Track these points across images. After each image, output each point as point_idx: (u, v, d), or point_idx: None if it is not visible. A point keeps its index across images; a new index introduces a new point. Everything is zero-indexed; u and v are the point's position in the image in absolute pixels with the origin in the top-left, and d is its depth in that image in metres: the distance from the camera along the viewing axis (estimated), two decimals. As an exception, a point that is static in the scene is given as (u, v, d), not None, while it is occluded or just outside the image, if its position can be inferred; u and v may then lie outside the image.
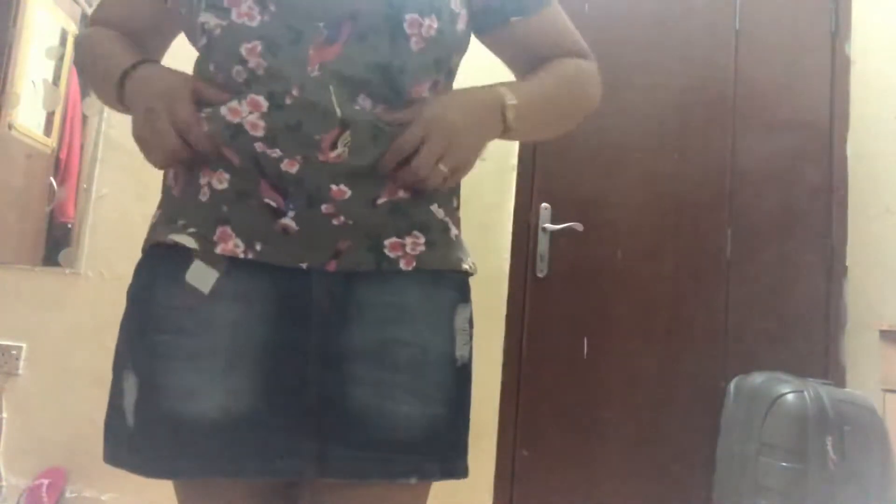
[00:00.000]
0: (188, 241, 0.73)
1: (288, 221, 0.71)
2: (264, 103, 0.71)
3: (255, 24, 0.72)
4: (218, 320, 0.72)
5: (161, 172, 0.83)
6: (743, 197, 2.27)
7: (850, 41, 2.30)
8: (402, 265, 0.75)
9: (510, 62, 0.94)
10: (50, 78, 2.43)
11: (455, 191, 0.84)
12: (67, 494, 2.23)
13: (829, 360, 2.15)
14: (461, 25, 0.82)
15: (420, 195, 0.77)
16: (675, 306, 2.23)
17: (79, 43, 0.89)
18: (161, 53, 0.93)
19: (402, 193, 0.75)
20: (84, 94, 2.42)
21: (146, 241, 0.79)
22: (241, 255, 0.72)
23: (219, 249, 0.72)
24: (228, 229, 0.72)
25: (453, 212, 0.83)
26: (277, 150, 0.71)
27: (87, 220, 2.36)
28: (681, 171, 2.28)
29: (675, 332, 2.22)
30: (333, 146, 0.71)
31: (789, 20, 2.34)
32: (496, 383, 2.19)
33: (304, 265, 0.72)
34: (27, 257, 2.37)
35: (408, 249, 0.76)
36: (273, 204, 0.71)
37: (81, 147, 2.41)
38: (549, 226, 2.24)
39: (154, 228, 0.79)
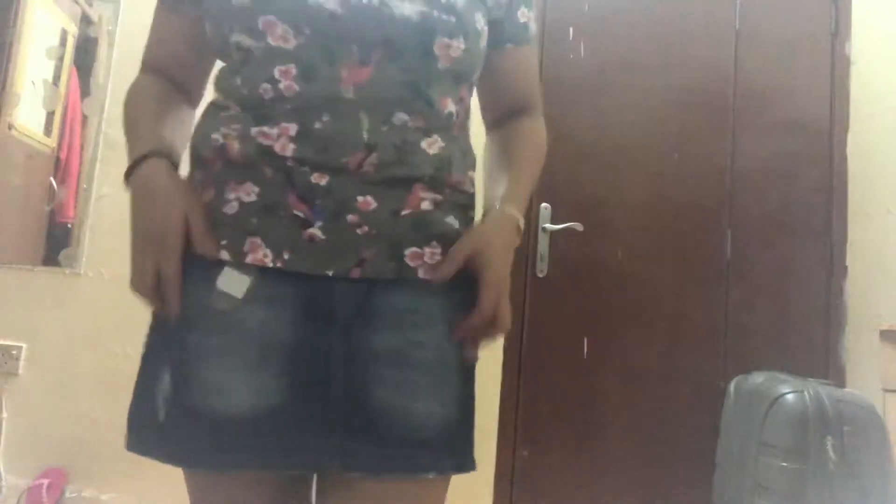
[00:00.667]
0: (221, 254, 0.76)
1: (315, 231, 0.74)
2: (294, 128, 0.74)
3: (290, 46, 0.75)
4: (247, 321, 0.75)
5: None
6: (743, 197, 2.27)
7: (850, 41, 2.30)
8: (421, 274, 0.79)
9: (483, 88, 0.96)
10: (50, 78, 2.44)
11: (471, 203, 0.88)
12: (67, 494, 2.23)
13: (829, 360, 2.16)
14: (483, 42, 0.85)
15: (440, 208, 0.80)
16: (675, 306, 2.23)
17: (127, 94, 0.90)
18: (208, 77, 0.94)
19: (424, 206, 0.79)
20: (84, 94, 2.42)
21: None
22: (270, 265, 0.75)
23: (248, 259, 0.75)
24: (258, 240, 0.75)
25: (470, 222, 0.87)
26: (307, 168, 0.74)
27: (87, 220, 2.36)
28: (681, 171, 2.28)
29: (675, 333, 2.22)
30: (359, 167, 0.75)
31: (789, 20, 2.34)
32: (496, 383, 2.19)
33: (329, 273, 0.75)
34: (27, 257, 2.38)
35: (426, 259, 0.79)
36: (301, 215, 0.74)
37: (81, 147, 2.41)
38: (549, 226, 2.24)
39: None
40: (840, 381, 2.10)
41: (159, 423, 0.75)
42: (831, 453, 1.67)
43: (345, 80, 0.74)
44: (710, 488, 2.00)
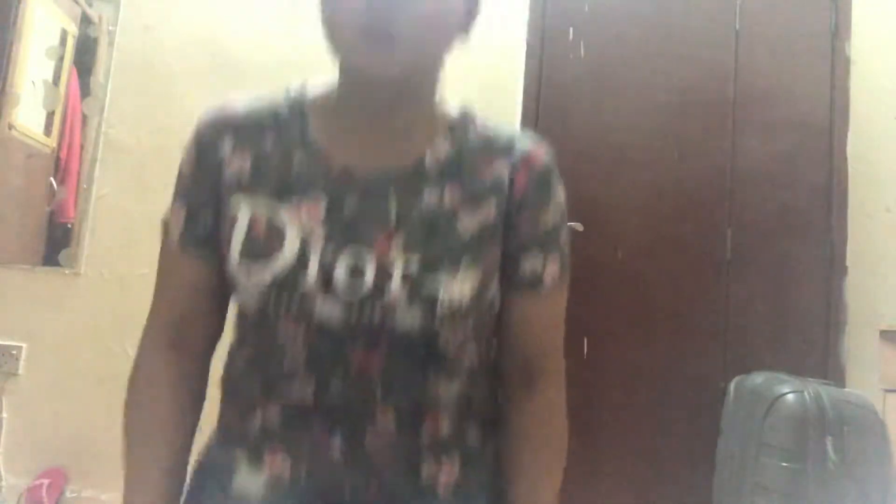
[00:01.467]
0: (240, 463, 0.81)
1: (335, 453, 0.78)
2: (311, 390, 0.78)
3: (299, 342, 0.77)
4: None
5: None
6: (743, 197, 2.27)
7: (850, 41, 2.30)
8: (437, 490, 0.81)
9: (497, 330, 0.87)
10: (50, 78, 2.44)
11: (489, 411, 0.87)
12: (67, 494, 2.23)
13: (829, 360, 2.15)
14: (496, 307, 0.83)
15: (459, 430, 0.82)
16: (675, 306, 2.23)
17: (131, 390, 0.85)
18: (223, 323, 0.90)
19: (444, 429, 0.80)
20: (84, 94, 2.42)
21: (202, 455, 0.86)
22: (288, 476, 0.78)
23: (267, 470, 0.79)
24: (279, 450, 0.79)
25: (485, 423, 0.86)
26: (325, 412, 0.78)
27: (87, 220, 2.36)
28: (681, 170, 2.28)
29: (675, 332, 2.22)
30: (373, 421, 0.78)
31: (789, 20, 2.34)
32: (496, 383, 2.18)
33: (346, 493, 0.79)
34: (27, 257, 2.38)
35: (442, 477, 0.81)
36: (322, 438, 0.78)
37: (81, 147, 2.41)
38: (549, 226, 2.23)
39: (210, 450, 0.86)
40: (840, 381, 2.10)
41: None
42: (831, 453, 1.67)
43: (356, 365, 0.77)
44: (710, 488, 2.00)
